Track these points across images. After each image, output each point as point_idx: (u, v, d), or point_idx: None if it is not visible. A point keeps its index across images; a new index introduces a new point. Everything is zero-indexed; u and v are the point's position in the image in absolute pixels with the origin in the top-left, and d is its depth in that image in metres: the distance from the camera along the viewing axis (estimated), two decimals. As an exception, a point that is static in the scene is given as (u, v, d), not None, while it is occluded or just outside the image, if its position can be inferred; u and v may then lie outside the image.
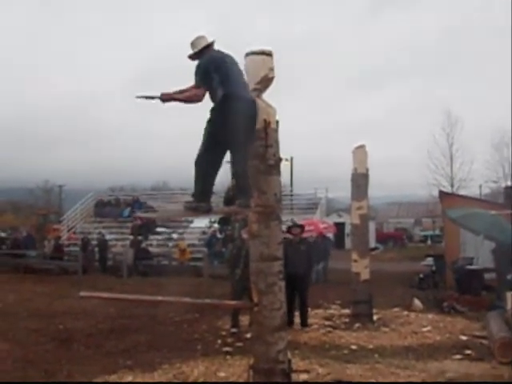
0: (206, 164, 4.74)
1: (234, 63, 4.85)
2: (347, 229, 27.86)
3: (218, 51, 4.88)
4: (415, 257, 22.37)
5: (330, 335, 8.72)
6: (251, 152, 4.93)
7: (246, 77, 5.01)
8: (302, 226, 10.35)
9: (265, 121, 4.92)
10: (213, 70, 4.66)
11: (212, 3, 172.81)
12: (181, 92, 4.73)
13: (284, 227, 7.34)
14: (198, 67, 4.71)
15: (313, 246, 15.54)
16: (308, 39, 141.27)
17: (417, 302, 11.26)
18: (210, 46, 4.84)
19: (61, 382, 6.23)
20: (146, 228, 24.60)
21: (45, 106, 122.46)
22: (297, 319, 9.37)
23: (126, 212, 27.16)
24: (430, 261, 16.46)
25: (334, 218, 33.24)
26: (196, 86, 4.70)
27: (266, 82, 5.05)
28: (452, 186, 35.05)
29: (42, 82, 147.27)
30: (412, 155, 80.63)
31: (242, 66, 4.98)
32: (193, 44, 4.84)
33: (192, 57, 4.85)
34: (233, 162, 4.78)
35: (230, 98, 4.63)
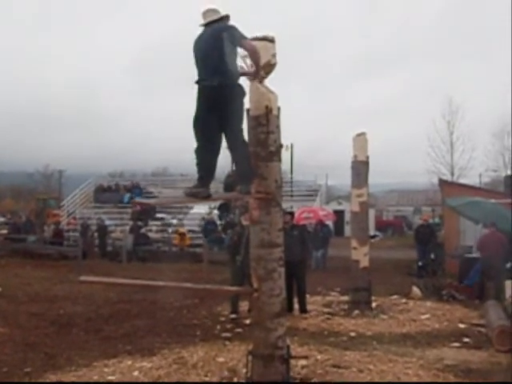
0: (201, 152, 4.83)
1: (206, 42, 4.74)
2: (347, 216, 27.85)
3: (204, 32, 4.87)
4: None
5: (329, 322, 8.75)
6: (251, 138, 4.94)
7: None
8: (291, 213, 10.77)
9: (266, 107, 4.90)
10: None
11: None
12: None
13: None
14: None
15: (308, 231, 15.62)
16: (310, 22, 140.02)
17: (415, 290, 11.28)
18: (216, 21, 4.83)
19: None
20: (146, 214, 24.57)
21: (46, 90, 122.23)
22: (296, 306, 9.39)
23: (126, 198, 27.10)
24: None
25: (334, 206, 33.23)
26: None
27: (268, 68, 5.03)
28: (452, 174, 35.01)
29: (43, 66, 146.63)
30: (413, 143, 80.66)
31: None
32: (203, 14, 4.89)
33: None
34: (229, 148, 4.85)
35: (198, 88, 4.75)
